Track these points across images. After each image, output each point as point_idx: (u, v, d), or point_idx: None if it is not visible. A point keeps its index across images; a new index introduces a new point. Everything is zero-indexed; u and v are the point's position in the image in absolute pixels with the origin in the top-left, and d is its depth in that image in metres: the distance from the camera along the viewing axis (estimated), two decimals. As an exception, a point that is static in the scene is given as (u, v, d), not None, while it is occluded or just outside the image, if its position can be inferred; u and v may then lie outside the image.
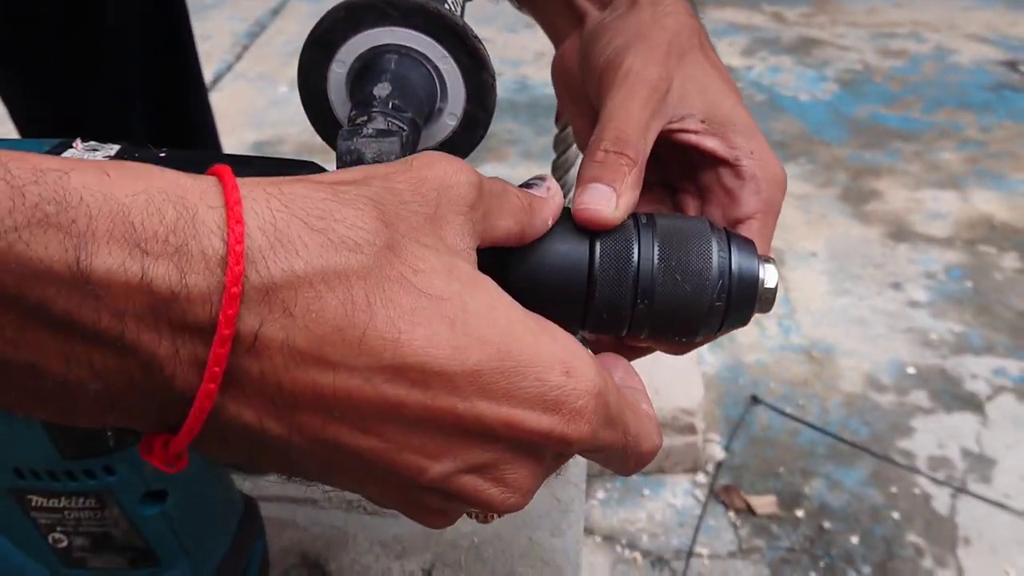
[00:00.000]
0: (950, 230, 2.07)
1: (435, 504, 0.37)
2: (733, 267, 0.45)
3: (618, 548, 1.29)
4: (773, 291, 0.46)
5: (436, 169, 0.37)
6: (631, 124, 0.48)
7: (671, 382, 1.36)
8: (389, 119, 0.44)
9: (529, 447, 0.35)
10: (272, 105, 2.64)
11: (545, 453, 0.36)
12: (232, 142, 2.42)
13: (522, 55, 2.93)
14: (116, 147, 0.46)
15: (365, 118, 0.44)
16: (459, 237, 0.37)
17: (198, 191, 0.32)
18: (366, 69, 0.48)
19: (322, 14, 0.48)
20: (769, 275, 0.46)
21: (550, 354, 0.34)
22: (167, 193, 0.31)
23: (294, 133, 2.45)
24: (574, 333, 0.46)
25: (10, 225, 0.28)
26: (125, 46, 0.95)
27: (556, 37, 0.59)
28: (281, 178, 0.34)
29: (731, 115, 0.51)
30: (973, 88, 2.78)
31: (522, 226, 0.42)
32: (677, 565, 1.27)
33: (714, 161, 0.51)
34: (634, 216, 0.46)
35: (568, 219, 0.46)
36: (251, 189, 0.32)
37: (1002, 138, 2.48)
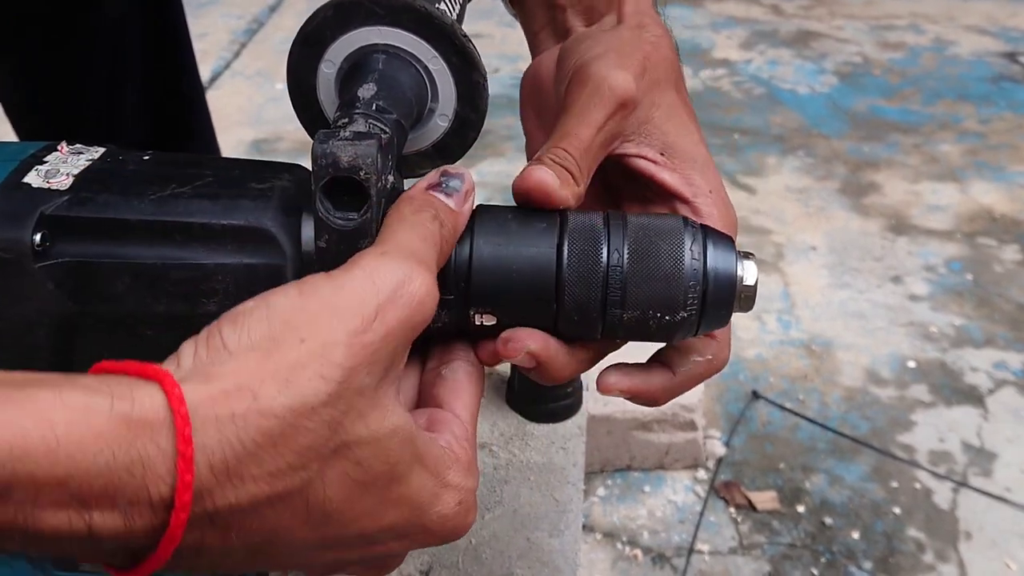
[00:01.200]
0: (950, 223, 2.06)
1: None
2: (709, 264, 0.43)
3: (619, 545, 1.29)
4: (753, 289, 0.44)
5: (401, 313, 0.36)
6: (587, 129, 0.47)
7: (670, 378, 1.35)
8: (370, 121, 0.43)
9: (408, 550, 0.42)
10: (270, 102, 2.63)
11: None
12: (230, 140, 2.42)
13: (520, 50, 2.91)
14: (101, 150, 0.45)
15: (346, 120, 0.43)
16: (402, 361, 0.39)
17: (145, 431, 0.31)
18: (354, 69, 0.47)
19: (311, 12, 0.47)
20: (748, 272, 0.44)
21: (449, 492, 0.40)
22: (116, 445, 0.31)
23: (291, 130, 2.44)
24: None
25: None
26: (118, 41, 0.95)
27: (536, 48, 0.58)
28: (234, 378, 0.33)
29: (692, 152, 0.50)
30: (972, 80, 2.77)
31: (444, 259, 0.42)
32: (678, 562, 1.27)
33: (669, 196, 0.50)
34: (605, 214, 0.45)
35: (534, 221, 0.44)
36: (201, 417, 0.32)
37: (1002, 130, 2.47)
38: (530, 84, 0.56)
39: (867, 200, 2.15)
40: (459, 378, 0.44)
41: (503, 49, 2.90)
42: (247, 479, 0.33)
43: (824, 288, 1.84)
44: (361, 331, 0.35)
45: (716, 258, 0.44)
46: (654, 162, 0.49)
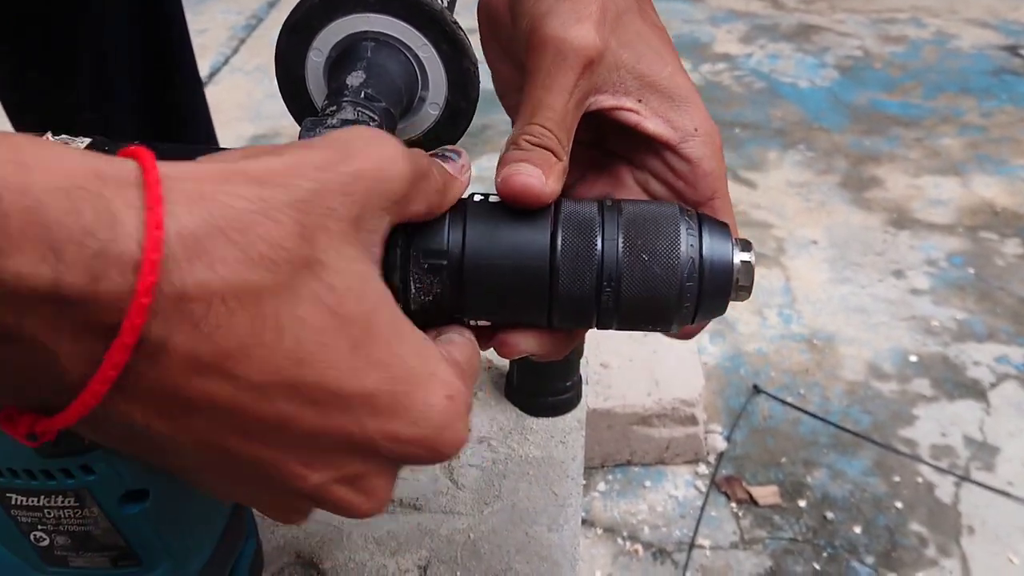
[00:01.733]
0: (951, 217, 2.05)
1: (303, 507, 0.38)
2: (705, 250, 0.42)
3: (619, 540, 1.28)
4: (750, 278, 0.44)
5: (373, 159, 0.36)
6: (557, 106, 0.45)
7: (672, 373, 1.35)
8: (359, 109, 0.42)
9: (400, 460, 0.37)
10: (269, 98, 2.62)
11: (406, 463, 0.38)
12: (229, 135, 2.41)
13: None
14: (87, 140, 0.45)
15: (334, 107, 0.43)
16: (376, 234, 0.37)
17: (117, 186, 0.30)
18: (343, 57, 0.47)
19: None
20: (744, 259, 0.43)
21: (438, 380, 0.36)
22: (86, 189, 0.29)
23: (289, 125, 2.44)
24: (539, 328, 0.45)
25: None
26: (107, 32, 0.94)
27: None
28: (208, 166, 0.32)
29: (669, 87, 0.47)
30: (974, 73, 2.76)
31: (431, 208, 0.40)
32: (679, 557, 1.26)
33: (657, 145, 0.48)
34: (599, 201, 0.44)
35: (524, 209, 0.43)
36: (172, 188, 0.31)
37: (1003, 123, 2.46)
38: (485, 18, 0.52)
39: (868, 194, 2.14)
40: (453, 339, 0.43)
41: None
42: (217, 261, 0.31)
43: (825, 282, 1.83)
44: (335, 162, 0.35)
45: (712, 247, 0.43)
46: (634, 111, 0.47)
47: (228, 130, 2.44)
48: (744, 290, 0.44)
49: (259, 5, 3.27)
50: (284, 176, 0.33)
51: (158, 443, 0.34)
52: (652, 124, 0.47)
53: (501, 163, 0.44)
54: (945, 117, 2.50)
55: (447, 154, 0.43)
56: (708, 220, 0.44)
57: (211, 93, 2.67)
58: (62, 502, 0.50)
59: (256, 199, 0.32)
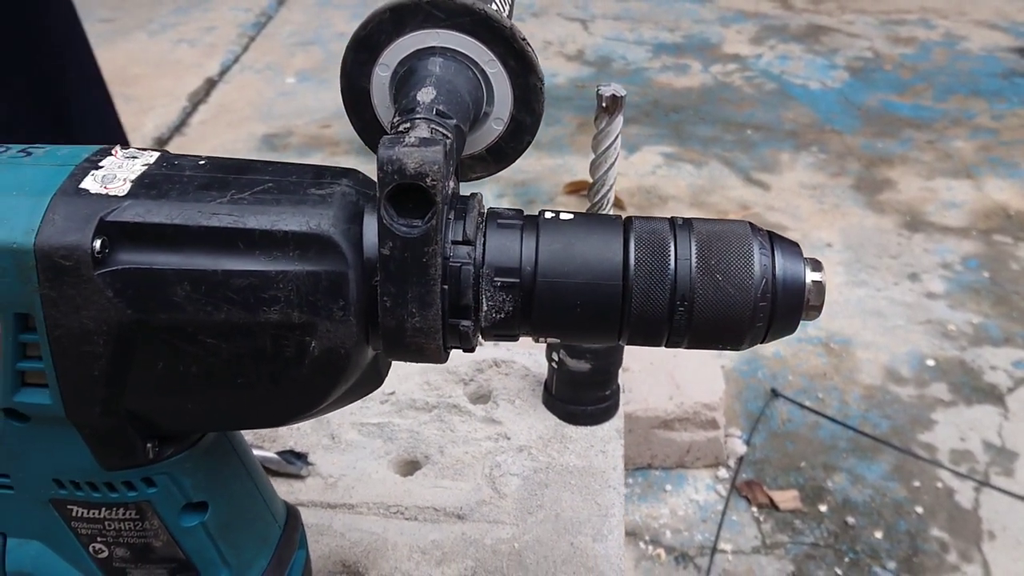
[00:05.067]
0: (965, 220, 2.05)
1: None
2: (778, 270, 0.43)
3: (641, 544, 1.28)
4: (821, 297, 0.44)
5: None
6: None
7: (693, 377, 1.35)
8: (433, 126, 0.42)
9: None
10: (280, 96, 2.62)
11: None
12: (240, 134, 2.41)
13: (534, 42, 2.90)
14: (156, 154, 0.45)
15: (408, 125, 0.42)
16: None
17: None
18: (410, 73, 0.46)
19: (366, 15, 0.46)
20: (816, 278, 0.43)
21: None
22: None
23: (301, 124, 2.43)
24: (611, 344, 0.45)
25: None
26: None
27: None
28: None
29: None
30: (984, 75, 2.76)
31: None
32: (701, 561, 1.26)
33: None
34: (669, 219, 0.44)
35: (596, 227, 0.43)
36: None
37: (1015, 125, 2.46)
38: None
39: (882, 197, 2.14)
40: None
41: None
42: None
43: (841, 286, 1.83)
44: None
45: (785, 266, 0.43)
46: None
47: (239, 130, 2.44)
48: (815, 309, 0.44)
49: (268, 2, 3.26)
50: None
51: None
52: None
53: None
54: (956, 119, 2.50)
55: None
56: (779, 239, 0.44)
57: (222, 92, 2.67)
58: (123, 514, 0.50)
59: None
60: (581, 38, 2.99)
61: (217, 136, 2.41)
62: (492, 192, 2.07)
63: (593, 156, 0.66)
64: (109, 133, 1.09)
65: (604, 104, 0.65)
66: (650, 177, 2.19)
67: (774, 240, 0.44)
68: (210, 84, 2.71)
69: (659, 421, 1.33)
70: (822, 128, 2.45)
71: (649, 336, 0.43)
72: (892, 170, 2.25)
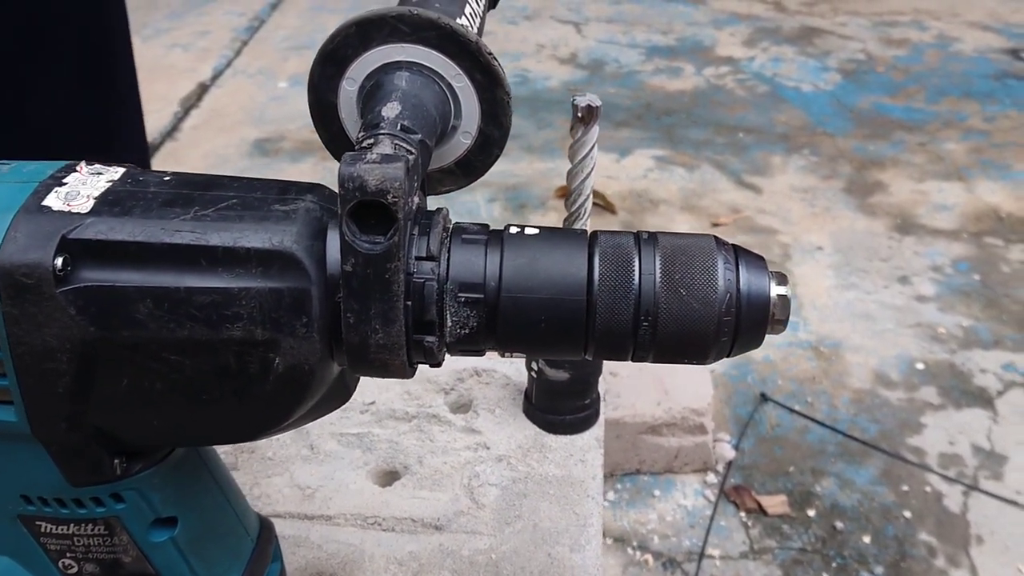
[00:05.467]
0: (956, 222, 2.05)
1: None
2: (742, 284, 0.43)
3: (629, 550, 1.28)
4: (786, 312, 0.43)
5: None
6: None
7: (680, 383, 1.35)
8: (396, 142, 0.42)
9: None
10: (272, 101, 2.62)
11: None
12: (232, 139, 2.41)
13: (522, 48, 2.91)
14: (121, 170, 0.45)
15: (372, 141, 0.42)
16: None
17: None
18: (377, 87, 0.46)
19: (336, 27, 0.46)
20: (781, 292, 0.43)
21: None
22: None
23: (294, 129, 2.43)
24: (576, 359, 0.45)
25: None
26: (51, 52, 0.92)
27: None
28: None
29: None
30: (976, 77, 2.76)
31: None
32: (689, 567, 1.26)
33: None
34: (635, 233, 0.44)
35: (561, 242, 0.43)
36: None
37: (1007, 128, 2.47)
38: None
39: (873, 199, 2.14)
40: None
41: (505, 47, 2.89)
42: None
43: (831, 289, 1.83)
44: None
45: (750, 280, 0.43)
46: None
47: (232, 134, 2.44)
48: (780, 323, 0.44)
49: (261, 7, 3.26)
50: None
51: None
52: None
53: None
54: (948, 121, 2.50)
55: None
56: (744, 253, 0.44)
57: (214, 97, 2.67)
58: (92, 530, 0.50)
59: None
60: (574, 41, 2.99)
61: (209, 141, 2.41)
62: (483, 196, 2.07)
63: (570, 166, 0.66)
64: (141, 144, 1.08)
65: (580, 114, 0.65)
66: (642, 181, 2.19)
67: (739, 254, 0.44)
68: (202, 89, 2.71)
69: (647, 426, 1.33)
70: (814, 131, 2.46)
71: (614, 351, 0.44)
72: (883, 173, 2.25)
